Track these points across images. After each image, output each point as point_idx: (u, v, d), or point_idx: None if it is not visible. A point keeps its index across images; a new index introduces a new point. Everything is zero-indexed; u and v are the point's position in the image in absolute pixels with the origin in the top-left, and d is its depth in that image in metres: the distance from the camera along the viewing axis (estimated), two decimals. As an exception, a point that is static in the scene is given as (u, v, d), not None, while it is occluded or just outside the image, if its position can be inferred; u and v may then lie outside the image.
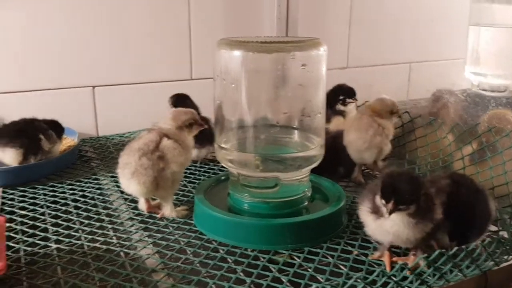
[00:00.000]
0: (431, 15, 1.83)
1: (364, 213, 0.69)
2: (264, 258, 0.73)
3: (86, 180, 1.05)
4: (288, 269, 0.70)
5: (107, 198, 0.96)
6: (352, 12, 1.68)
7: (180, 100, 1.17)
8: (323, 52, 0.79)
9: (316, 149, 0.83)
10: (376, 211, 0.66)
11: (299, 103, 0.82)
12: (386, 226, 0.65)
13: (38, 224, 0.84)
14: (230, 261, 0.73)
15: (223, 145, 0.84)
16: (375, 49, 1.76)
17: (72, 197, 0.96)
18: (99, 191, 0.99)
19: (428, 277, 0.65)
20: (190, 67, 1.46)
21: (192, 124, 0.88)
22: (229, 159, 0.83)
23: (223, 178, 0.94)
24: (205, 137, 1.02)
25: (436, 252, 0.65)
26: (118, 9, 1.34)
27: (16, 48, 1.25)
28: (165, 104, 1.41)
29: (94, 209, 0.91)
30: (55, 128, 1.09)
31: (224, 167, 1.10)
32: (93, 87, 1.36)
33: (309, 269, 0.70)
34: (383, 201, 0.64)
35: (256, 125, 0.83)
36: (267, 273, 0.69)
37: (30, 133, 1.04)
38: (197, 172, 1.11)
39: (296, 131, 0.86)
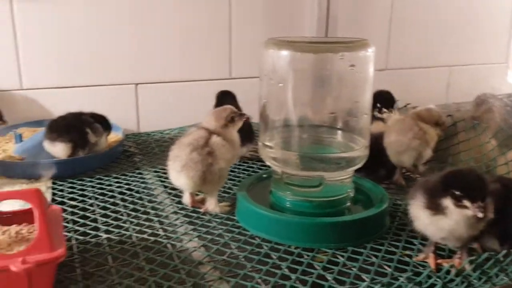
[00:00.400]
0: (473, 18, 1.80)
1: (417, 208, 0.69)
2: (307, 255, 0.74)
3: (130, 174, 1.09)
4: (333, 267, 0.71)
5: (151, 192, 0.99)
6: (393, 13, 1.67)
7: (224, 96, 1.19)
8: (371, 53, 0.79)
9: (360, 150, 0.83)
10: (432, 207, 0.66)
11: (345, 104, 0.83)
12: (443, 222, 0.65)
13: (88, 214, 0.87)
14: (274, 257, 0.74)
15: (267, 143, 0.85)
16: (415, 51, 1.74)
17: (118, 189, 0.99)
18: (143, 185, 1.02)
19: (474, 280, 0.65)
20: (229, 66, 1.48)
21: (234, 117, 0.90)
22: (273, 157, 0.84)
23: (264, 176, 0.95)
24: (245, 135, 1.03)
25: (484, 255, 0.65)
26: (161, 8, 1.37)
27: (66, 46, 1.30)
28: (203, 103, 1.44)
29: (140, 202, 0.94)
30: (100, 121, 1.13)
31: (263, 166, 1.12)
32: (136, 84, 1.40)
33: (353, 268, 0.71)
34: (467, 201, 0.62)
35: (301, 124, 0.83)
36: (312, 270, 0.70)
37: (78, 127, 1.08)
38: (236, 170, 1.12)
39: (340, 132, 0.87)
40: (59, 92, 1.31)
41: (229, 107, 0.93)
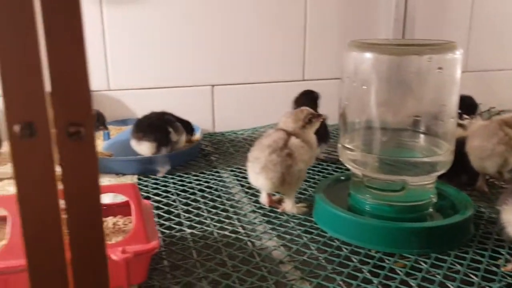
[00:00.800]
0: None
1: (510, 213, 0.66)
2: (389, 260, 0.73)
3: (208, 172, 1.12)
4: (416, 273, 0.70)
5: (229, 191, 1.02)
6: (473, 13, 1.60)
7: (306, 96, 1.19)
8: (459, 55, 0.77)
9: (445, 155, 0.81)
10: None
11: (431, 107, 0.81)
12: None
13: (171, 209, 0.92)
14: (355, 260, 0.74)
15: (347, 145, 0.85)
16: (496, 52, 1.66)
17: (198, 187, 1.03)
18: (221, 183, 1.06)
19: None
20: (302, 68, 1.49)
21: (311, 118, 0.91)
22: (353, 160, 0.84)
23: (342, 178, 0.95)
24: (320, 136, 1.04)
25: None
26: (237, 11, 1.41)
27: (148, 49, 1.37)
28: (276, 104, 1.46)
29: (219, 199, 0.97)
30: (181, 121, 1.18)
31: (338, 168, 1.12)
32: (213, 86, 1.44)
33: (437, 276, 0.69)
34: None
35: (383, 127, 0.83)
36: (394, 276, 0.69)
37: (161, 127, 1.13)
38: (311, 171, 1.13)
39: (423, 136, 0.85)
40: (142, 93, 1.38)
41: (306, 108, 0.94)
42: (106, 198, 0.84)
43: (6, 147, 1.18)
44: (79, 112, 0.35)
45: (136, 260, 0.61)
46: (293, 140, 0.87)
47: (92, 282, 0.39)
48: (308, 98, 1.19)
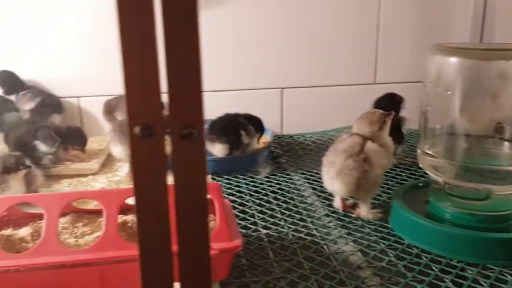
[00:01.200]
0: None
1: None
2: (471, 270, 0.71)
3: (279, 174, 1.14)
4: (501, 285, 0.67)
5: (301, 193, 1.02)
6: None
7: (387, 99, 1.18)
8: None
9: (533, 163, 0.77)
10: None
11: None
12: None
13: (246, 210, 0.94)
14: (435, 269, 0.72)
15: (427, 151, 0.83)
16: None
17: (270, 188, 1.05)
18: (292, 186, 1.07)
19: None
20: (374, 72, 1.47)
21: (385, 119, 0.90)
22: (434, 166, 0.82)
23: (420, 184, 0.93)
24: (394, 139, 1.02)
25: None
26: (307, 14, 1.41)
27: (218, 53, 1.40)
28: (345, 108, 1.45)
29: (291, 202, 0.98)
30: (254, 124, 1.20)
31: (413, 174, 1.09)
32: (282, 88, 1.46)
33: (526, 290, 0.66)
34: None
35: (467, 133, 0.80)
36: (478, 287, 0.67)
37: (234, 129, 1.16)
38: (384, 177, 1.11)
39: (507, 143, 0.81)
40: (213, 95, 1.42)
41: (376, 110, 0.93)
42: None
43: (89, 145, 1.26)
44: (192, 115, 0.37)
45: (220, 257, 0.63)
46: (370, 145, 0.86)
47: (196, 274, 0.41)
48: (390, 101, 1.16)
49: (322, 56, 1.45)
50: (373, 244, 0.80)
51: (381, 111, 0.92)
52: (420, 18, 1.45)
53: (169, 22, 0.35)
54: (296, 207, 0.95)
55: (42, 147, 1.09)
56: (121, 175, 1.13)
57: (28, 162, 0.94)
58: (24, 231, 0.72)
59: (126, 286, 0.65)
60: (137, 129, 0.36)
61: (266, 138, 1.31)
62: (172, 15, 0.35)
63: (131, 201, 0.75)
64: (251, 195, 1.01)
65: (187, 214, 0.39)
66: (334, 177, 0.85)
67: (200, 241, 0.40)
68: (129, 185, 1.06)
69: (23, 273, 0.60)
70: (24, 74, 1.36)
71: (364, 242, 0.81)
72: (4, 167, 0.89)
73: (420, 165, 0.87)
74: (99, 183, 1.09)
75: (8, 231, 0.71)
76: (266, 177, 1.12)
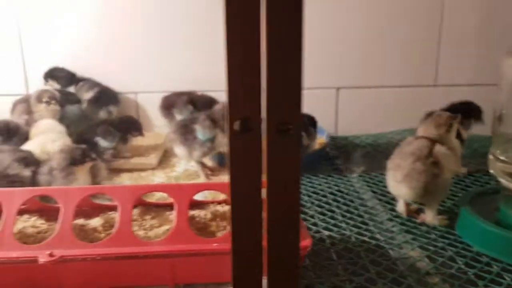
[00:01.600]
0: None
1: None
2: (549, 283, 0.68)
3: (336, 176, 1.12)
4: None
5: (360, 196, 1.01)
6: None
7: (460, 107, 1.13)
8: None
9: None
10: None
11: None
12: None
13: (306, 210, 0.93)
14: (507, 278, 0.69)
15: (501, 157, 0.80)
16: None
17: (328, 190, 1.03)
18: (351, 188, 1.05)
19: None
20: (435, 73, 1.43)
21: (452, 123, 0.87)
22: (508, 173, 0.79)
23: (490, 191, 0.89)
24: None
25: None
26: (365, 12, 1.38)
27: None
28: (402, 110, 1.42)
29: (351, 204, 0.96)
30: (314, 125, 1.19)
31: (477, 180, 1.05)
32: (338, 88, 1.44)
33: None
34: None
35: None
36: (559, 301, 0.64)
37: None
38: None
39: None
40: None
41: (443, 112, 0.90)
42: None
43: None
44: (290, 111, 0.37)
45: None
46: (438, 148, 0.83)
47: (285, 268, 0.40)
48: (466, 110, 1.11)
49: (380, 56, 1.41)
50: (441, 251, 0.77)
51: (448, 113, 0.90)
52: (487, 18, 1.39)
53: (273, 19, 0.35)
54: (357, 209, 0.94)
55: (102, 142, 1.12)
56: (179, 171, 1.14)
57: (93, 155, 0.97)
58: (96, 222, 0.74)
59: (194, 279, 0.66)
60: (236, 124, 0.36)
61: (322, 139, 1.30)
62: (276, 12, 0.35)
63: (198, 196, 0.76)
64: (309, 196, 1.00)
65: (279, 208, 0.39)
66: (400, 181, 0.83)
67: (291, 236, 0.40)
68: (194, 180, 1.08)
69: (99, 262, 0.62)
70: (82, 69, 1.39)
71: (431, 248, 0.78)
72: (72, 159, 0.92)
73: (491, 171, 0.83)
74: (158, 178, 1.11)
75: (80, 221, 0.74)
76: (324, 178, 1.11)
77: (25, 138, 1.10)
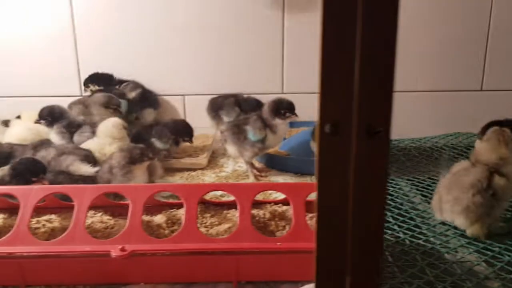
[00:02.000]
0: None
1: None
2: None
3: (384, 179, 1.12)
4: None
5: (411, 200, 1.01)
6: None
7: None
8: None
9: None
10: None
11: None
12: None
13: (357, 212, 0.94)
14: None
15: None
16: None
17: (377, 193, 1.04)
18: (401, 191, 1.05)
19: None
20: (481, 78, 1.41)
21: (507, 141, 0.85)
22: None
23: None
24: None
25: None
26: (416, 20, 1.37)
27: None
28: (451, 114, 1.41)
29: (402, 208, 0.96)
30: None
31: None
32: (383, 92, 1.43)
33: None
34: None
35: None
36: None
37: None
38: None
39: None
40: (313, 97, 1.43)
41: (503, 129, 0.87)
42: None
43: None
44: (381, 114, 0.38)
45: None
46: (498, 180, 0.82)
47: (367, 269, 0.42)
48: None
49: (422, 59, 1.40)
50: (498, 256, 0.77)
51: (502, 129, 0.87)
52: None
53: (368, 23, 0.36)
54: (408, 213, 0.94)
55: (157, 143, 1.15)
56: (227, 171, 1.17)
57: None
58: (159, 218, 0.77)
59: (255, 277, 0.68)
60: (327, 127, 0.38)
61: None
62: (372, 15, 0.36)
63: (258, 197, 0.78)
64: (359, 198, 1.01)
65: (364, 210, 0.40)
66: (459, 213, 0.83)
67: (375, 239, 0.41)
68: (244, 180, 1.10)
69: (167, 257, 0.65)
70: (134, 71, 1.43)
71: (488, 253, 0.78)
72: (131, 157, 0.96)
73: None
74: (208, 177, 1.14)
75: (147, 218, 0.77)
76: (371, 181, 1.11)
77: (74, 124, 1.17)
